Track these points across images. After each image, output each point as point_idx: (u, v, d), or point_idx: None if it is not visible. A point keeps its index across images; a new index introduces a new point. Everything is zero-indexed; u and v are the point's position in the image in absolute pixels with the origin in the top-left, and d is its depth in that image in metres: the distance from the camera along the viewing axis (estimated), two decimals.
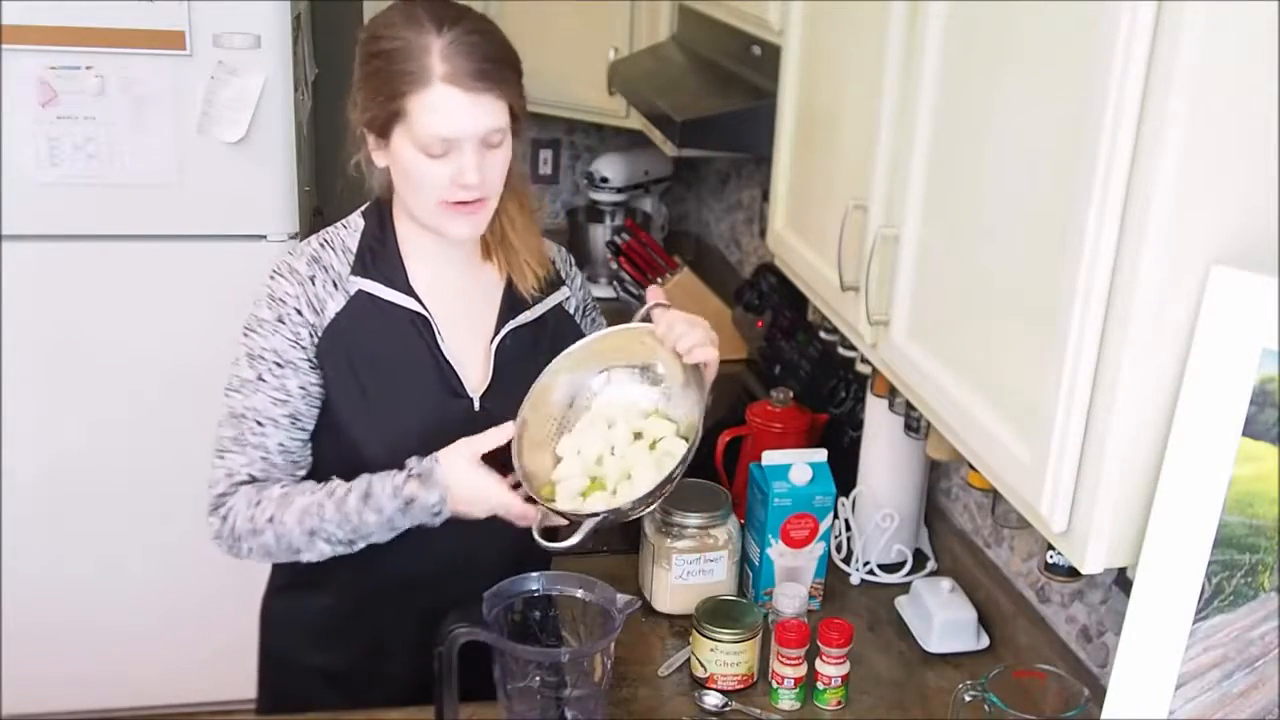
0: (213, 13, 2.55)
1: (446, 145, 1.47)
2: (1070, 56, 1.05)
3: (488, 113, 1.47)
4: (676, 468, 1.47)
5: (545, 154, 3.75)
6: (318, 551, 1.55)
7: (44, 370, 2.71)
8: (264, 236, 2.71)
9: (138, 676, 2.92)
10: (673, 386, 1.58)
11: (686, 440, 1.53)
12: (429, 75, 1.45)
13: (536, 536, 1.51)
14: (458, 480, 1.50)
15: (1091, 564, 1.09)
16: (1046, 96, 1.10)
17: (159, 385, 2.74)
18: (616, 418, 1.57)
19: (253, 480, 1.56)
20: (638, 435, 1.56)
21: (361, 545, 1.55)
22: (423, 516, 1.51)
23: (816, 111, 1.74)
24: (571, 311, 1.72)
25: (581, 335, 1.69)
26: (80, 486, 2.79)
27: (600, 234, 3.45)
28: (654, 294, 1.62)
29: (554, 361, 1.58)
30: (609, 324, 1.69)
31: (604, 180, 3.45)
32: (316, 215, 3.09)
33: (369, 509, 1.50)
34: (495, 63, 1.48)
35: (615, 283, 3.19)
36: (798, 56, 1.80)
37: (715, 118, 2.02)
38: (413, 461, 1.52)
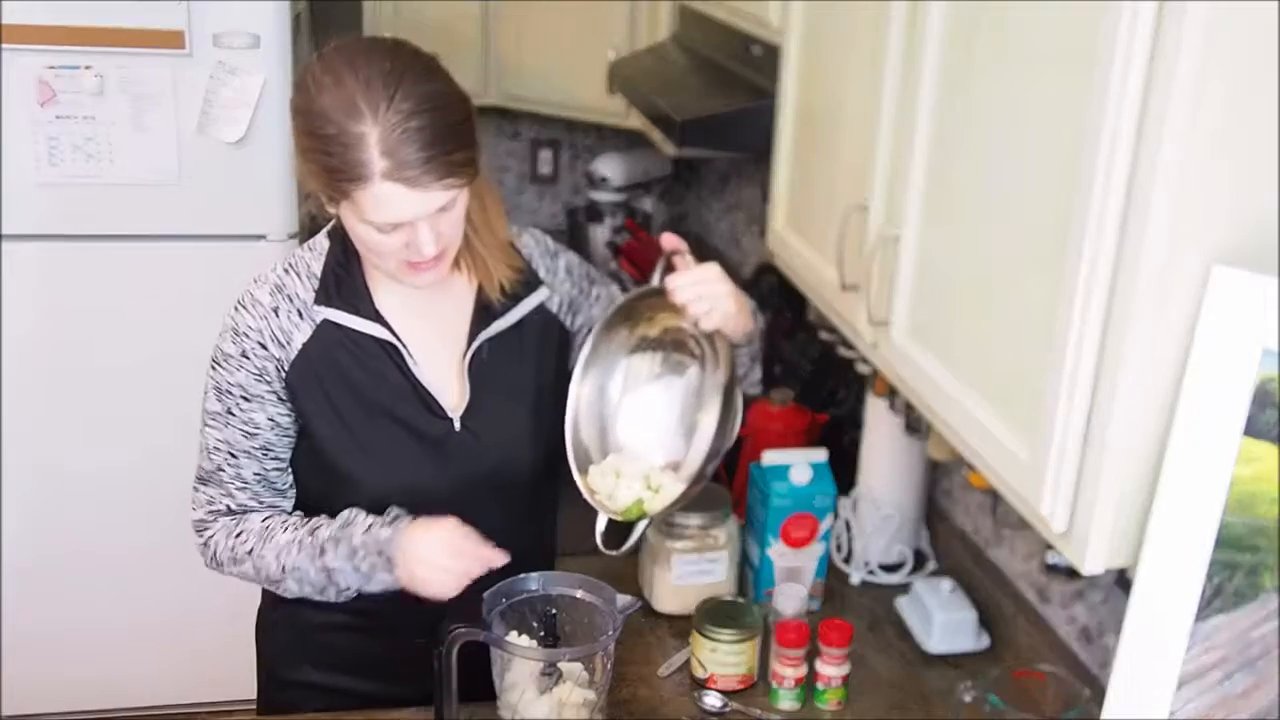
0: (213, 13, 2.54)
1: (396, 224, 1.39)
2: (1071, 55, 1.05)
3: (436, 197, 1.37)
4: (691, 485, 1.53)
5: (545, 154, 3.74)
6: (290, 590, 1.55)
7: (44, 370, 2.71)
8: (264, 236, 2.71)
9: (138, 676, 2.92)
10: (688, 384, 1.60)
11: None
12: (368, 171, 1.34)
13: (599, 544, 1.55)
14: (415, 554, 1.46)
15: (1091, 564, 1.09)
16: (1047, 96, 1.10)
17: (158, 385, 2.73)
18: (625, 469, 1.57)
19: (229, 511, 1.57)
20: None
21: (333, 595, 1.52)
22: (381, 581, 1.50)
23: (816, 111, 1.74)
24: (555, 310, 1.64)
25: (567, 334, 1.67)
26: (80, 486, 2.80)
27: (600, 234, 3.45)
28: (669, 241, 1.56)
29: (575, 371, 1.59)
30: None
31: (604, 180, 3.45)
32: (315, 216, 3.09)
33: (339, 555, 1.49)
34: (440, 146, 1.35)
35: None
36: (797, 56, 1.79)
37: (715, 118, 2.02)
38: (381, 533, 1.48)
